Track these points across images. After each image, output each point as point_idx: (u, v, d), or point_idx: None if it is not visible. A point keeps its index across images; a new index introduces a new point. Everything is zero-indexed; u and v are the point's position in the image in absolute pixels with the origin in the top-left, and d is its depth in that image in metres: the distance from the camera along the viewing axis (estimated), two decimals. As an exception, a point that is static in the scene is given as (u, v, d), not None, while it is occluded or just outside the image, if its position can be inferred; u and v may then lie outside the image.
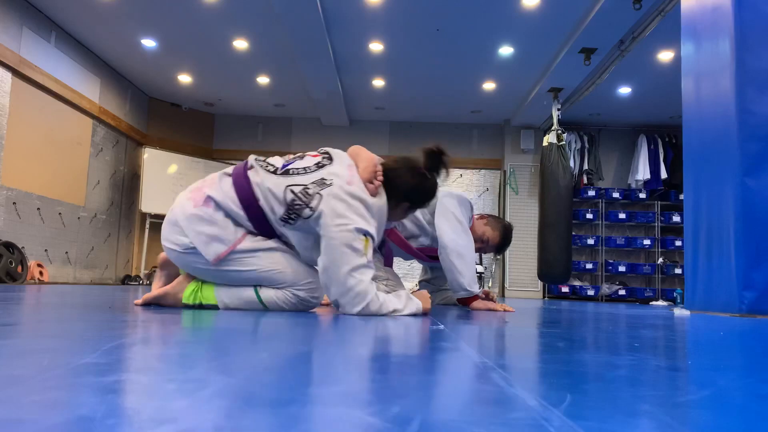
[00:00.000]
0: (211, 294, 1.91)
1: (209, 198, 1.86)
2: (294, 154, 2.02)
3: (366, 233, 1.78)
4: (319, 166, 1.91)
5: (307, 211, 1.82)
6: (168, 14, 5.84)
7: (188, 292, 1.91)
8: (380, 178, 1.90)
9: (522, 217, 8.45)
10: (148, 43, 6.54)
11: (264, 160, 1.98)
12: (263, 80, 7.53)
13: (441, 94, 7.80)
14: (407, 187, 1.98)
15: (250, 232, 1.89)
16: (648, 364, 0.86)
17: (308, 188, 1.83)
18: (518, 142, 8.68)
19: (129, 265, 8.17)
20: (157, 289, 1.99)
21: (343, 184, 1.83)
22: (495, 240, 3.16)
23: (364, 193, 1.84)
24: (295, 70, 6.95)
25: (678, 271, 7.89)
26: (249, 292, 1.90)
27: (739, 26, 3.02)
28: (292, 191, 1.84)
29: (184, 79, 7.61)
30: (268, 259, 1.87)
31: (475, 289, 2.70)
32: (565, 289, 8.06)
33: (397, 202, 1.99)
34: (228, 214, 1.87)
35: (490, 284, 8.59)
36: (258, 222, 1.88)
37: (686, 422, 0.47)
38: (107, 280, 7.59)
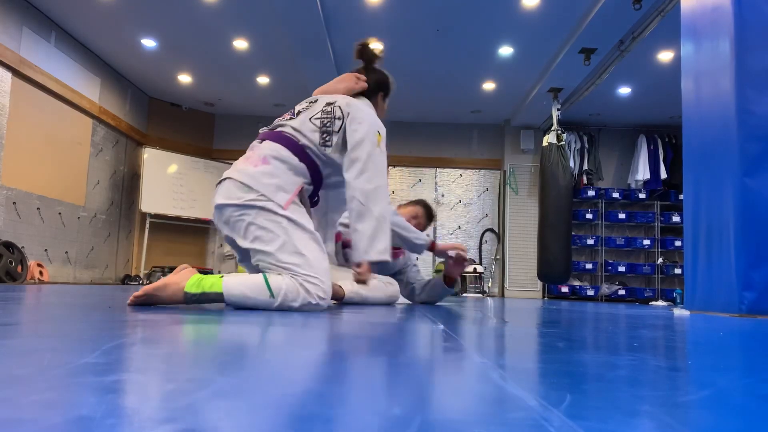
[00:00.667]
0: (217, 280, 1.86)
1: (266, 156, 2.06)
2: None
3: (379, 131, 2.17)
4: (315, 101, 2.27)
5: (337, 123, 2.12)
6: (168, 14, 5.84)
7: (193, 280, 1.85)
8: (362, 78, 2.40)
9: (522, 217, 8.45)
10: (148, 42, 6.54)
11: (277, 122, 2.25)
12: (263, 80, 7.53)
13: (441, 94, 7.80)
14: (373, 81, 2.42)
15: (304, 185, 2.10)
16: (648, 364, 0.86)
17: (325, 109, 2.18)
18: (518, 142, 8.68)
19: (129, 264, 8.17)
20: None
21: (344, 98, 2.24)
22: (419, 211, 3.30)
23: (361, 101, 2.28)
24: (295, 70, 6.95)
25: (678, 271, 7.90)
26: (257, 278, 1.87)
27: (739, 26, 3.02)
28: (316, 117, 2.16)
29: (185, 79, 7.61)
30: (299, 235, 1.96)
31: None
32: (564, 289, 8.06)
33: (375, 98, 2.43)
34: (284, 164, 2.07)
35: (489, 284, 8.59)
36: (307, 163, 2.10)
37: (686, 422, 0.47)
38: (107, 280, 7.59)
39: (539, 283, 8.18)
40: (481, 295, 7.63)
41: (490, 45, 6.23)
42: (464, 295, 7.69)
